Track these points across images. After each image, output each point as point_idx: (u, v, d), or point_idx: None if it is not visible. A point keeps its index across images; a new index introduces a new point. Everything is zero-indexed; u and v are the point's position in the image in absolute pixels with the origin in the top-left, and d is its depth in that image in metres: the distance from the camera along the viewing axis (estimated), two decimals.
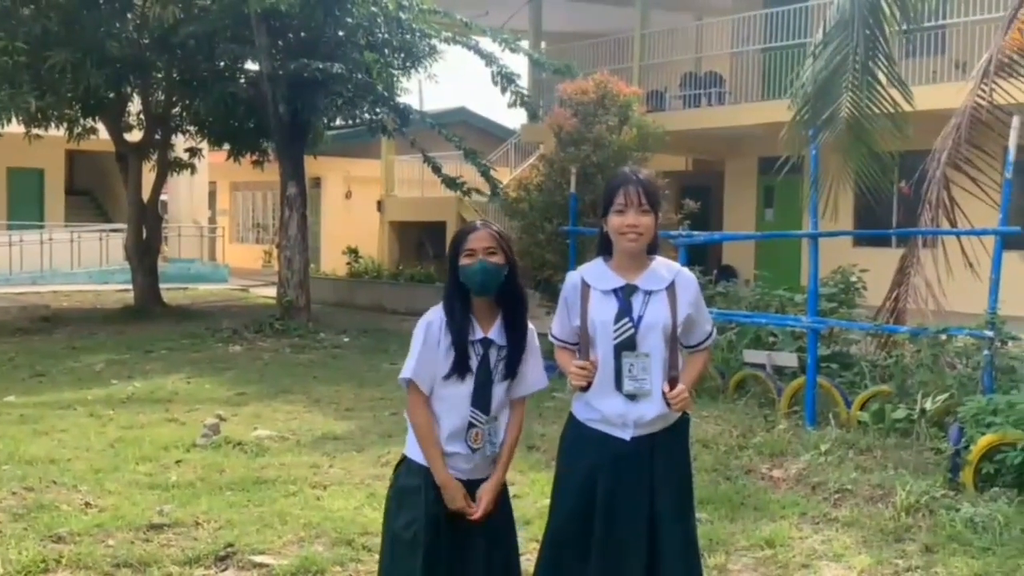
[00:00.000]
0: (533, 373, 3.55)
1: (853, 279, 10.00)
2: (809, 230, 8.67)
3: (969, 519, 5.59)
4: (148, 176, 18.75)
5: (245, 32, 15.27)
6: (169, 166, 19.00)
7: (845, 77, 7.22)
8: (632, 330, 3.41)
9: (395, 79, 16.86)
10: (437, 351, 3.45)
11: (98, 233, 25.21)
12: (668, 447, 3.48)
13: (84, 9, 15.53)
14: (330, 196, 28.42)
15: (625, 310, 3.42)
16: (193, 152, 19.25)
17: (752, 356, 9.21)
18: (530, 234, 12.54)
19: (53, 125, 17.66)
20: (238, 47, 15.82)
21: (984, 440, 6.20)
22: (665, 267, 3.51)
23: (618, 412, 3.42)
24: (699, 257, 13.36)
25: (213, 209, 31.14)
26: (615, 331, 3.42)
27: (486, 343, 3.46)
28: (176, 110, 18.39)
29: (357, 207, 27.24)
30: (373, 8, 15.49)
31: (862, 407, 7.91)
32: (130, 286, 18.90)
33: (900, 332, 8.51)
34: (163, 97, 18.15)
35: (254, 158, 18.81)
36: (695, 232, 10.31)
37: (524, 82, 18.72)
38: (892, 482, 6.29)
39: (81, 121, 17.89)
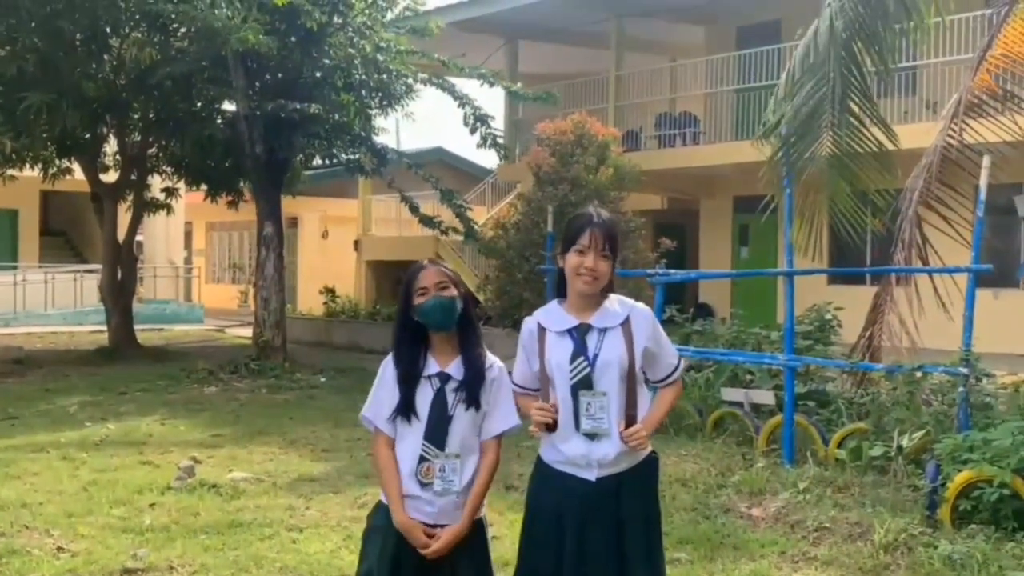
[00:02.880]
0: (502, 410, 3.49)
1: (828, 317, 10.06)
2: (784, 268, 8.72)
3: (947, 556, 5.60)
4: (124, 216, 18.68)
5: (222, 73, 15.30)
6: (145, 206, 18.93)
7: (824, 116, 7.30)
8: (588, 369, 3.40)
9: (372, 119, 16.96)
10: (393, 389, 3.46)
11: (72, 274, 25.02)
12: (634, 486, 3.46)
13: (60, 51, 15.52)
14: (307, 235, 28.41)
15: (580, 349, 3.42)
16: (170, 192, 19.20)
17: (730, 394, 9.23)
18: (507, 273, 12.56)
19: (28, 166, 17.61)
20: (215, 88, 15.85)
21: (961, 477, 6.22)
22: (619, 303, 3.51)
23: (580, 453, 3.41)
24: (675, 295, 13.41)
25: (189, 249, 31.02)
26: (571, 371, 3.41)
27: (443, 377, 3.43)
28: (152, 150, 18.35)
29: (334, 246, 27.23)
30: (351, 50, 15.59)
31: (839, 444, 7.93)
32: (104, 327, 18.74)
33: (876, 370, 8.55)
34: (139, 138, 18.10)
35: (229, 198, 18.78)
36: (672, 270, 10.36)
37: (500, 122, 18.88)
38: (870, 520, 6.30)
39: (56, 162, 17.85)
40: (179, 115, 16.79)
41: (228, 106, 17.05)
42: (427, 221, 17.22)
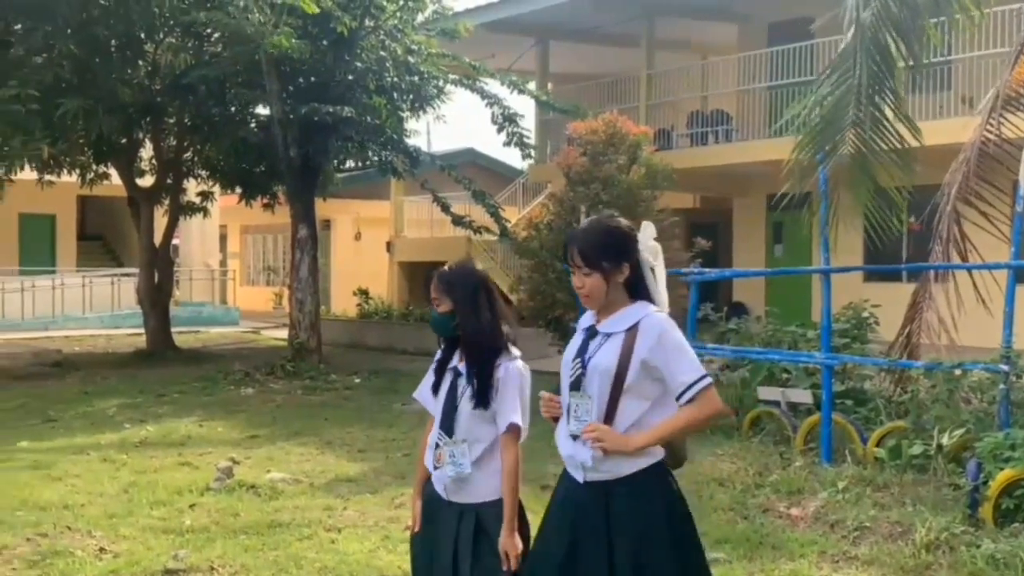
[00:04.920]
0: (505, 407, 3.57)
1: (865, 314, 9.98)
2: (821, 266, 8.66)
3: (990, 556, 5.54)
4: (160, 220, 18.86)
5: (256, 77, 15.41)
6: (181, 210, 19.10)
7: (848, 112, 7.22)
8: (580, 370, 3.37)
9: (404, 121, 17.02)
10: (431, 373, 3.83)
11: (110, 278, 25.29)
12: (625, 499, 3.31)
13: (96, 57, 15.72)
14: (340, 237, 28.54)
15: (581, 350, 3.40)
16: (205, 196, 19.38)
17: (766, 393, 9.17)
18: (540, 273, 12.53)
19: (66, 171, 17.81)
20: (249, 92, 15.96)
21: (1003, 475, 6.15)
22: (638, 311, 3.36)
23: (567, 452, 3.41)
24: (709, 294, 13.33)
25: (224, 252, 31.26)
26: (570, 370, 3.42)
27: (455, 371, 3.70)
28: (188, 155, 18.53)
29: (367, 248, 27.35)
30: (382, 52, 15.66)
31: (878, 443, 7.86)
32: (142, 330, 18.93)
33: (915, 367, 8.47)
34: (175, 142, 18.30)
35: (265, 201, 18.93)
36: (706, 269, 10.30)
37: (531, 123, 18.89)
38: (911, 519, 6.24)
39: (93, 167, 18.06)
40: (214, 119, 16.94)
41: (262, 110, 17.19)
42: (459, 221, 17.26)
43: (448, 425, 3.63)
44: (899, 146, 7.72)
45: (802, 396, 8.89)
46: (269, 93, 15.33)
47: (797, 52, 16.45)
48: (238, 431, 10.45)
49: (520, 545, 3.55)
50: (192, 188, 19.59)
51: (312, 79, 15.91)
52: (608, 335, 3.35)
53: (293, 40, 13.68)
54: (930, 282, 8.94)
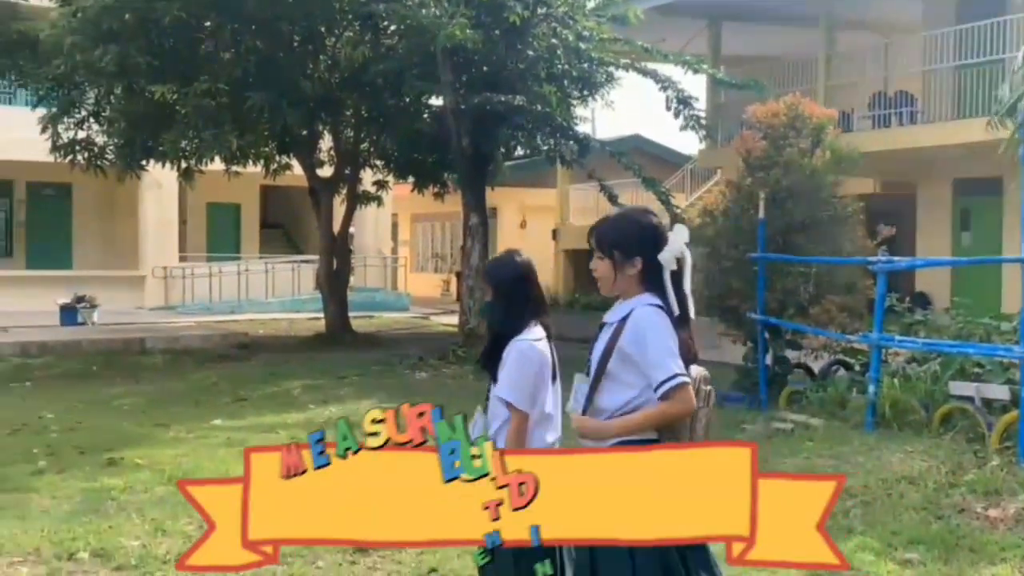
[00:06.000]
0: (500, 381, 3.84)
1: None
2: (1020, 255, 8.17)
3: None
4: (338, 209, 19.51)
5: (430, 68, 15.66)
6: (357, 199, 19.68)
7: None
8: (589, 359, 3.52)
9: (573, 108, 17.01)
10: None
11: (290, 264, 26.34)
12: None
13: (280, 52, 16.36)
14: (506, 225, 28.86)
15: (595, 338, 3.56)
16: (380, 185, 19.91)
17: (959, 388, 8.74)
18: (714, 260, 12.28)
19: (251, 162, 18.64)
20: (424, 83, 16.23)
21: None
22: (634, 303, 3.44)
23: None
24: (891, 284, 12.80)
25: (395, 239, 32.10)
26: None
27: None
28: (364, 145, 19.07)
29: (532, 236, 27.54)
30: (553, 40, 15.68)
31: None
32: (320, 314, 19.63)
33: None
34: (352, 133, 18.85)
35: (436, 190, 19.31)
36: (895, 258, 9.84)
37: (702, 107, 18.58)
38: None
39: (276, 158, 18.82)
40: (389, 111, 17.35)
41: (435, 101, 17.50)
42: None
43: (486, 399, 3.94)
44: None
45: (998, 392, 8.44)
46: (443, 84, 15.57)
47: (987, 29, 15.59)
48: None
49: None
50: (368, 178, 20.17)
51: (484, 69, 16.07)
52: (609, 324, 3.50)
53: (467, 31, 13.86)
54: None
